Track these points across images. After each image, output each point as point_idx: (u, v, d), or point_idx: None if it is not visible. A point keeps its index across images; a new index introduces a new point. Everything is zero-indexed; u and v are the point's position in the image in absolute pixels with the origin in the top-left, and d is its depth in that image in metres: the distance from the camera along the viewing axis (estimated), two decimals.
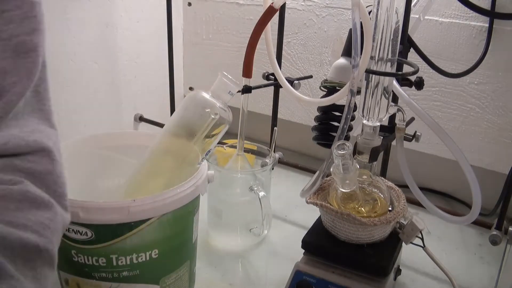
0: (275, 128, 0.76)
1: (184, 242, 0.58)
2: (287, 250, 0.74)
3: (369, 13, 0.56)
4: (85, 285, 0.54)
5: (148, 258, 0.53)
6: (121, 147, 0.68)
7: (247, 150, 0.77)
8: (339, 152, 0.53)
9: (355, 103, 0.57)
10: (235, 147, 0.74)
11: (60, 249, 0.47)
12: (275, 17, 0.83)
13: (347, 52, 0.64)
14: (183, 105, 0.58)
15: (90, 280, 0.53)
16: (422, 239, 0.60)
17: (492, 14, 0.74)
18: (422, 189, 0.66)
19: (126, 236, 0.51)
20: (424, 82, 0.61)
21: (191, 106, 0.58)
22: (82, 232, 0.50)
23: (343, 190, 0.57)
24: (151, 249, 0.53)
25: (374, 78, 0.57)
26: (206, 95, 0.58)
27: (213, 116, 0.56)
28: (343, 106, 0.65)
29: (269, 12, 0.58)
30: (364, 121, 0.59)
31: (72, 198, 0.46)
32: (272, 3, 0.57)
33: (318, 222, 0.63)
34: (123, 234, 0.51)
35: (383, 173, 0.77)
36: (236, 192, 0.75)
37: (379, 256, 0.57)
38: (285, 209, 0.85)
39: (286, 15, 0.85)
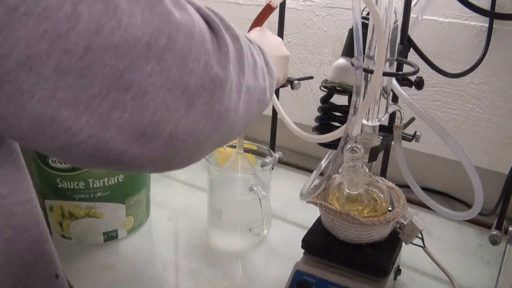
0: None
1: None
2: (287, 250, 0.74)
3: (367, 14, 0.56)
4: (67, 207, 0.69)
5: (116, 182, 0.70)
6: None
7: (247, 150, 0.77)
8: (352, 155, 0.53)
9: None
10: (234, 147, 0.74)
11: (46, 179, 0.68)
12: (275, 17, 0.83)
13: (347, 52, 0.64)
14: None
15: (72, 202, 0.69)
16: (422, 239, 0.60)
17: (491, 14, 0.74)
18: (422, 189, 0.66)
19: None
20: (424, 82, 0.61)
21: None
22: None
23: (351, 192, 0.57)
24: (118, 174, 0.70)
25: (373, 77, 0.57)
26: None
27: None
28: (343, 106, 0.66)
29: (266, 10, 0.58)
30: (364, 121, 0.59)
31: None
32: (270, 1, 0.57)
33: (318, 222, 0.63)
34: None
35: (383, 173, 0.77)
36: (236, 192, 0.75)
37: (379, 256, 0.57)
38: (285, 209, 0.85)
39: (286, 15, 0.85)
